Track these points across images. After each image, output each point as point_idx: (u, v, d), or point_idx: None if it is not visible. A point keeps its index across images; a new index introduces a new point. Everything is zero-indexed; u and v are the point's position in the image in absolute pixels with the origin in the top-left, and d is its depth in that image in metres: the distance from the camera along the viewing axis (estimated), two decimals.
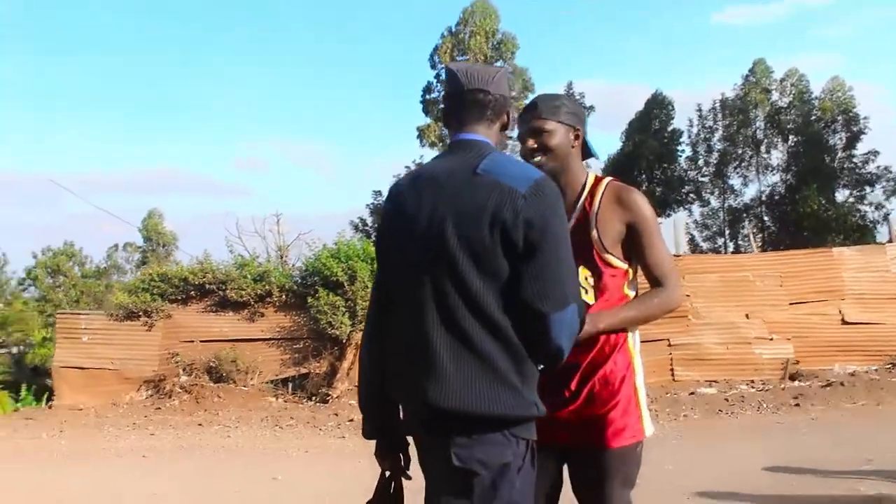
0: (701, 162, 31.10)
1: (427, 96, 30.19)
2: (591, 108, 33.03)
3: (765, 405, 8.91)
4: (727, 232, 31.25)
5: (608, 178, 2.28)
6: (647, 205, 2.19)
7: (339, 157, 59.61)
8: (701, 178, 31.40)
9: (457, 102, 1.86)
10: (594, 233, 2.15)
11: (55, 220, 67.42)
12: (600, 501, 2.13)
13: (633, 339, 2.22)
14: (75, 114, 61.35)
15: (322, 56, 58.53)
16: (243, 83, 57.27)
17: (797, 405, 8.85)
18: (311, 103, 58.61)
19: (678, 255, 11.88)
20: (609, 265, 2.16)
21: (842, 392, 9.22)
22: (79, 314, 13.88)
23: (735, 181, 31.13)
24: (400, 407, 1.89)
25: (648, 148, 29.12)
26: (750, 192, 30.98)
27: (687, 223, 32.00)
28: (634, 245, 2.18)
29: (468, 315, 1.67)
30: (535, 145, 2.20)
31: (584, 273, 2.13)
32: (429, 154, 29.62)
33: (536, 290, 1.66)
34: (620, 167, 30.77)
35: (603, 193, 2.20)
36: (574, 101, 2.31)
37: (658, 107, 30.63)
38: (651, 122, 30.10)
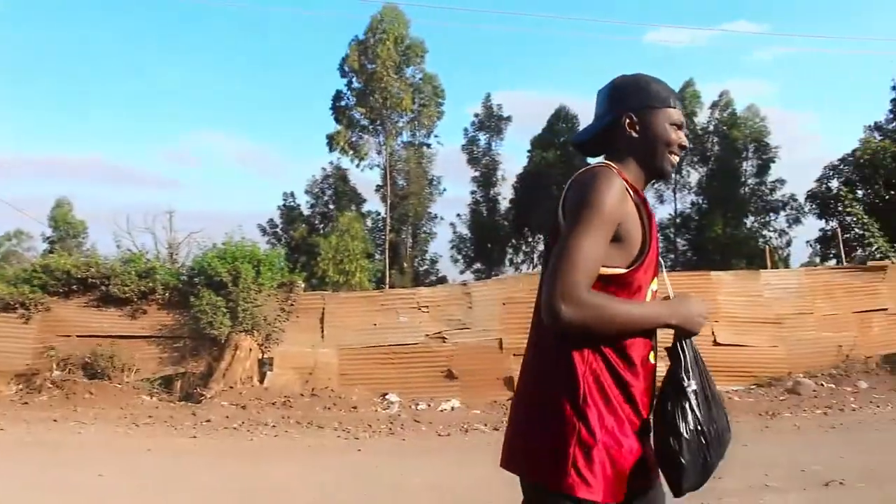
0: None
1: (337, 104, 30.77)
2: (509, 118, 33.61)
3: None
4: None
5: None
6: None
7: (265, 157, 60.18)
8: None
9: None
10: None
11: None
12: None
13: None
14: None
15: (248, 59, 58.78)
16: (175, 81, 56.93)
17: None
18: (241, 104, 58.94)
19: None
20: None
21: None
22: None
23: (649, 199, 31.75)
24: None
25: (549, 162, 29.19)
26: (664, 212, 31.88)
27: None
28: None
29: None
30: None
31: None
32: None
33: None
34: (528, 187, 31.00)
35: None
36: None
37: (563, 120, 31.05)
38: (554, 137, 30.37)
